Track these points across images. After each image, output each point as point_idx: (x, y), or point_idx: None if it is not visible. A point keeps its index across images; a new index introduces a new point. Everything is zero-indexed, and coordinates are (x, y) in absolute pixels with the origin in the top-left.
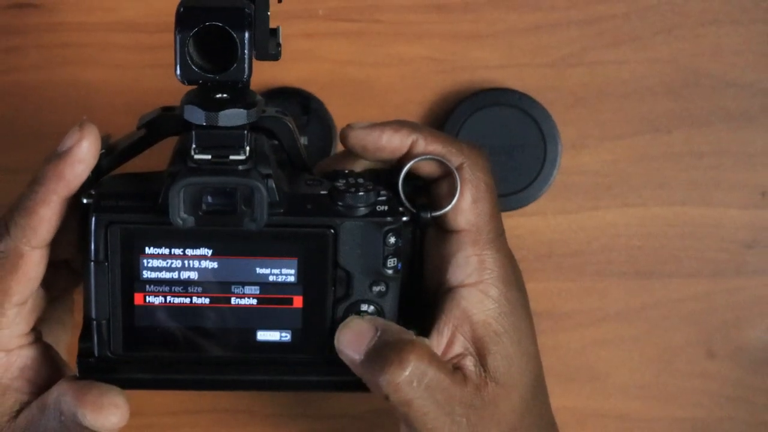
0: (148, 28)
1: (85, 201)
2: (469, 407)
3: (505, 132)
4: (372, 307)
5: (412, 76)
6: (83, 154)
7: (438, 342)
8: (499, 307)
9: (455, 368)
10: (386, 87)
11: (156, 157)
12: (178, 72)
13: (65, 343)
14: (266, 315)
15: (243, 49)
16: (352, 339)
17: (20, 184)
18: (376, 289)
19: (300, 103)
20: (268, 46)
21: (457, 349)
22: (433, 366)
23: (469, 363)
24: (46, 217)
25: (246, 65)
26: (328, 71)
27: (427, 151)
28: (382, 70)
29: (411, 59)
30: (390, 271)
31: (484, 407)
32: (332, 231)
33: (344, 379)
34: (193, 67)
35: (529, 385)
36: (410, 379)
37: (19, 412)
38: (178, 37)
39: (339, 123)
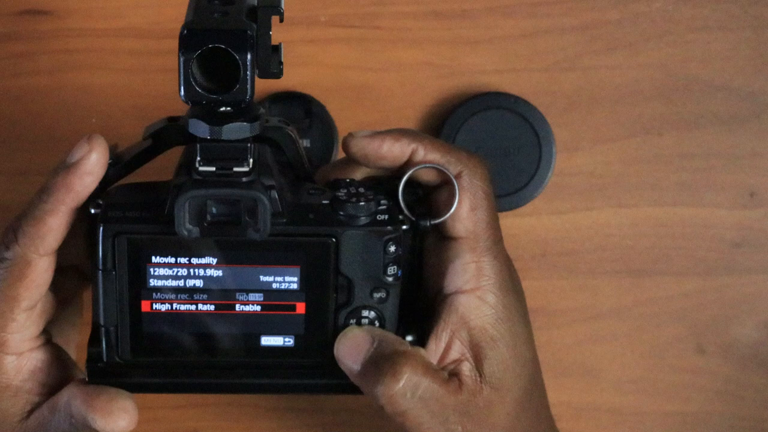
0: (155, 34)
1: (92, 211)
2: (463, 414)
3: (501, 135)
4: (373, 313)
5: (411, 80)
6: (92, 166)
7: (436, 347)
8: (495, 313)
9: (452, 374)
10: (386, 91)
11: (161, 165)
12: (182, 93)
13: (75, 344)
14: (270, 321)
15: (246, 70)
16: (350, 350)
17: (30, 185)
18: (376, 295)
19: (302, 107)
20: (270, 65)
21: (454, 354)
22: (428, 377)
23: (466, 368)
24: (54, 226)
25: (248, 86)
26: (330, 76)
27: (427, 159)
28: (382, 75)
29: (410, 64)
30: (390, 279)
31: (479, 412)
32: (334, 240)
33: (346, 383)
34: (197, 88)
35: (524, 389)
36: (404, 391)
37: (30, 412)
38: (181, 59)
39: (340, 126)
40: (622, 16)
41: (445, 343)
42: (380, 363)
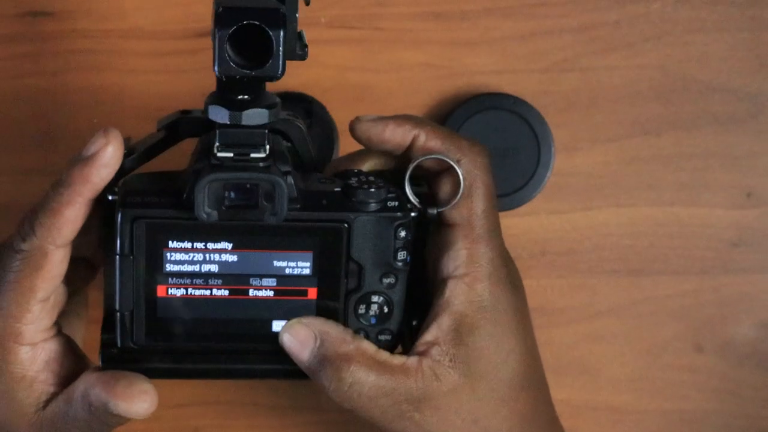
0: (158, 35)
1: (110, 198)
2: (420, 401)
3: (501, 135)
4: (382, 298)
5: (411, 81)
6: (108, 159)
7: (422, 328)
8: (481, 301)
9: (419, 354)
10: (386, 92)
11: (169, 158)
12: (216, 68)
13: (81, 335)
14: (282, 306)
15: (278, 46)
16: (295, 347)
17: (33, 185)
18: (386, 281)
19: (303, 107)
20: (296, 47)
21: (429, 337)
22: (373, 373)
23: (435, 352)
24: (71, 218)
25: (280, 62)
26: (331, 77)
27: (428, 145)
28: (382, 76)
29: (410, 65)
30: (400, 264)
31: (441, 397)
32: (346, 225)
33: None
34: (231, 63)
35: (505, 381)
36: (350, 393)
37: (47, 402)
38: (217, 35)
39: (341, 126)
40: (621, 18)
41: (427, 325)
42: (324, 365)
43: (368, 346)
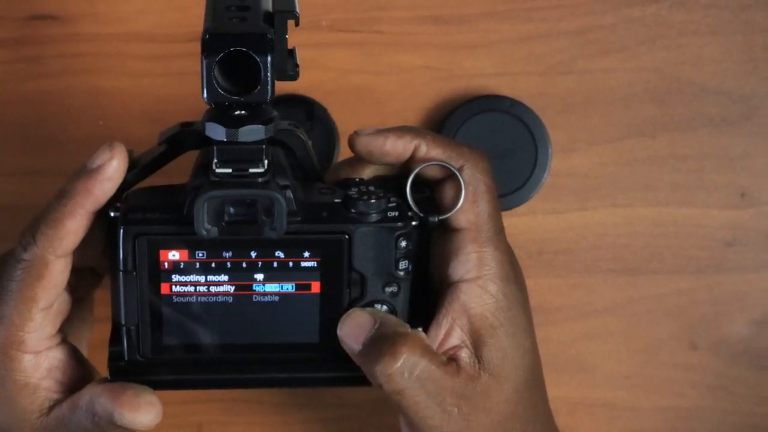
0: (160, 38)
1: (112, 214)
2: (460, 397)
3: (499, 137)
4: (385, 307)
5: (411, 83)
6: (112, 173)
7: (436, 334)
8: (496, 302)
9: (450, 359)
10: (386, 94)
11: (171, 169)
12: (205, 95)
13: (87, 340)
14: (286, 315)
15: (266, 72)
16: (352, 330)
17: (37, 187)
18: (388, 290)
19: (304, 109)
20: (287, 67)
21: (454, 341)
22: (425, 358)
23: (464, 355)
24: (72, 229)
25: (269, 87)
26: (332, 79)
27: (429, 155)
28: (382, 78)
29: (410, 68)
30: (401, 273)
31: (476, 397)
32: (347, 237)
33: (361, 375)
34: (219, 90)
35: (523, 378)
36: (402, 370)
37: (51, 409)
38: (204, 62)
39: (341, 128)
40: (617, 21)
41: (446, 330)
42: (380, 343)
43: (423, 336)
